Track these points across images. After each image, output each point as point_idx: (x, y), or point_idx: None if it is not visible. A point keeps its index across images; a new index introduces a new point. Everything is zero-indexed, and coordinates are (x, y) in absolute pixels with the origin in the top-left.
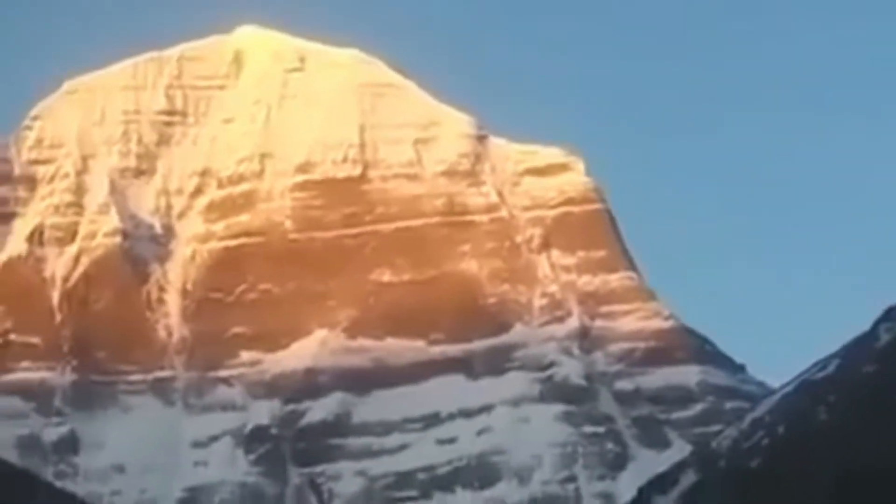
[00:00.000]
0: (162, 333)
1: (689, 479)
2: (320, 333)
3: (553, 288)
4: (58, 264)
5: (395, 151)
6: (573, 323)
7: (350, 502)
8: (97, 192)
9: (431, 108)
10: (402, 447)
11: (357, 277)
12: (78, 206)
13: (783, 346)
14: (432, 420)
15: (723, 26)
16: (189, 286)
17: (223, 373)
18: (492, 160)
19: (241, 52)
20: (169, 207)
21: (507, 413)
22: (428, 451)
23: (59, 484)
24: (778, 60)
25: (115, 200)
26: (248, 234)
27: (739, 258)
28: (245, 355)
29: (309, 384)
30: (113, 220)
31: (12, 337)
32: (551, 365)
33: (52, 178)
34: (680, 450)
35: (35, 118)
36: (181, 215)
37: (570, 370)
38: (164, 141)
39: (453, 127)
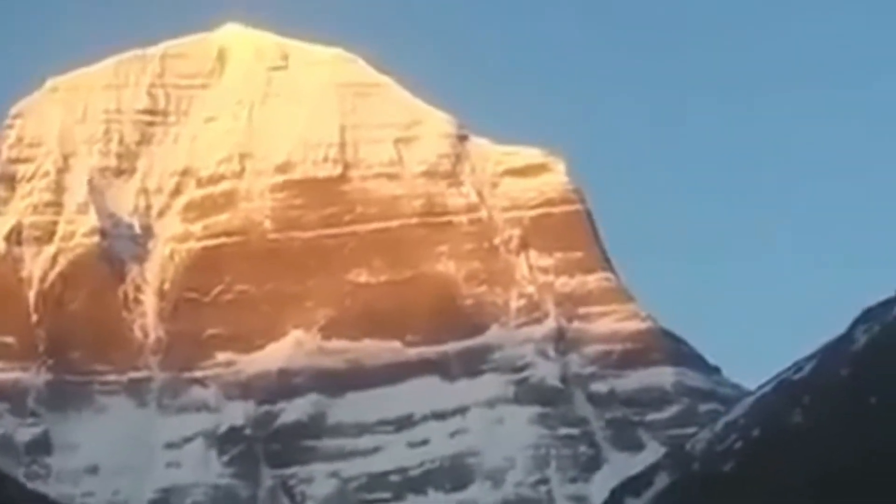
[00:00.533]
0: (138, 334)
1: (662, 481)
2: (296, 334)
3: (530, 289)
4: (35, 264)
5: (375, 151)
6: (550, 324)
7: None
8: (77, 191)
9: (413, 108)
10: (376, 449)
11: (334, 278)
12: (57, 205)
13: (759, 349)
14: (406, 422)
15: (707, 25)
16: (166, 286)
17: (198, 373)
18: (472, 160)
19: (224, 51)
20: (148, 207)
21: (482, 415)
22: (401, 452)
23: (30, 485)
24: (761, 59)
25: (94, 200)
26: (227, 234)
27: (717, 260)
28: (220, 356)
29: (283, 385)
30: (91, 220)
31: None
32: (527, 367)
33: (31, 177)
34: (654, 452)
35: (16, 116)
36: (160, 215)
37: (546, 372)
38: (145, 140)
39: (435, 127)
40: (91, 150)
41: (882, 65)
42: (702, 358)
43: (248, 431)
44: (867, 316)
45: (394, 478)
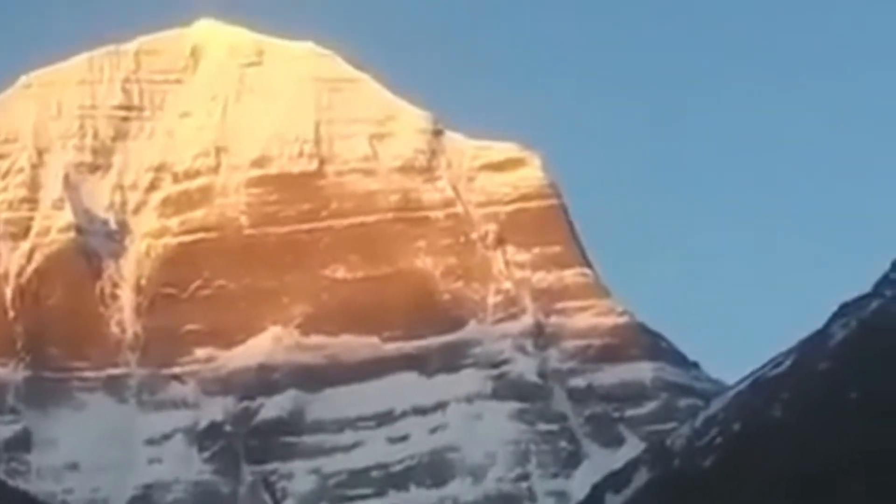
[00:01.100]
0: (115, 330)
1: (642, 477)
2: (274, 330)
3: (508, 285)
4: (11, 260)
5: (350, 146)
6: (527, 320)
7: (303, 501)
8: (52, 187)
9: (388, 103)
10: (356, 445)
11: (311, 274)
12: (32, 201)
13: (737, 344)
14: (385, 418)
15: (686, 18)
16: (143, 282)
17: (177, 370)
18: (448, 155)
19: (198, 46)
20: (124, 203)
21: (461, 410)
22: (381, 448)
23: (10, 482)
24: (742, 55)
25: (69, 196)
26: (203, 229)
27: (693, 255)
28: (199, 352)
29: (262, 381)
30: (67, 216)
31: None
32: (505, 362)
33: (6, 173)
34: (634, 448)
35: None
36: (136, 210)
37: (524, 367)
38: (120, 136)
39: (410, 122)
40: (66, 145)
41: (880, 63)
42: (680, 353)
43: (227, 427)
44: (844, 311)
45: (374, 474)
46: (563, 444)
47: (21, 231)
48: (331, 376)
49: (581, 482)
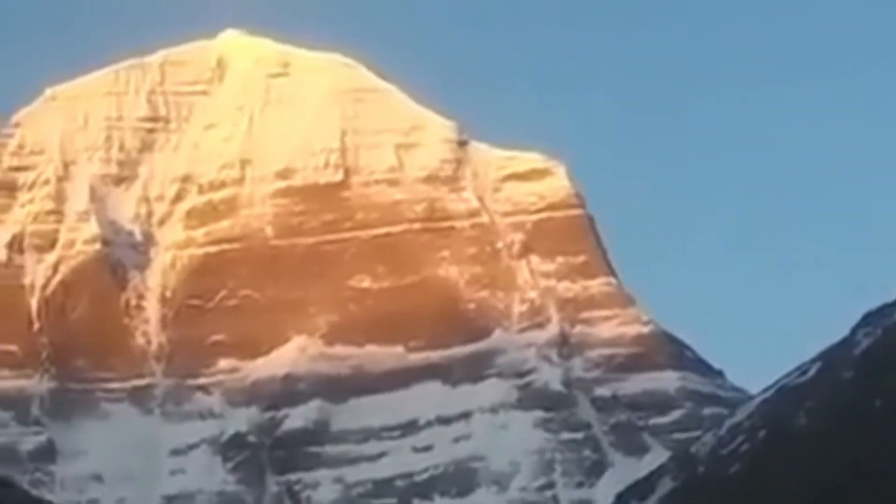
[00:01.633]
0: (140, 341)
1: (666, 485)
2: (299, 340)
3: (533, 294)
4: (37, 272)
5: (376, 157)
6: (553, 329)
7: None
8: (78, 199)
9: (413, 113)
10: (381, 454)
11: (336, 284)
12: (58, 213)
13: (762, 352)
14: (410, 427)
15: (709, 27)
16: (168, 293)
17: (202, 380)
18: (473, 165)
19: (224, 58)
20: (149, 214)
21: (486, 420)
22: (406, 458)
23: (35, 493)
24: (764, 61)
25: (95, 208)
26: (228, 240)
27: (718, 264)
28: (223, 363)
29: (287, 391)
30: (93, 228)
31: None
32: (530, 371)
33: (32, 185)
34: (658, 456)
35: (16, 125)
36: (161, 222)
37: (549, 377)
38: (146, 147)
39: (435, 132)
40: (92, 157)
41: (883, 61)
42: (705, 362)
43: (252, 438)
44: (868, 319)
45: (399, 483)
46: (588, 452)
47: (47, 243)
48: (355, 386)
49: (605, 491)
